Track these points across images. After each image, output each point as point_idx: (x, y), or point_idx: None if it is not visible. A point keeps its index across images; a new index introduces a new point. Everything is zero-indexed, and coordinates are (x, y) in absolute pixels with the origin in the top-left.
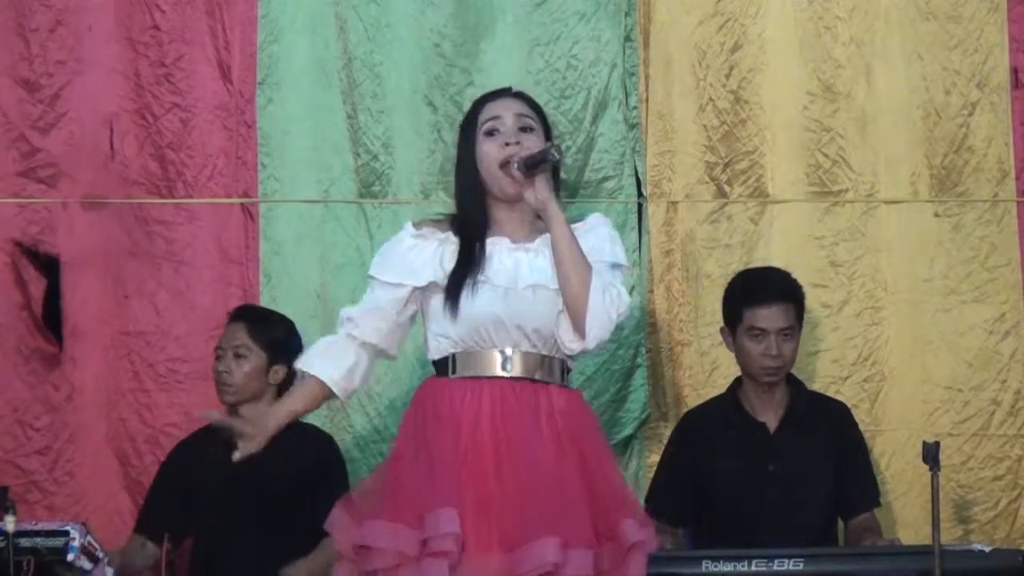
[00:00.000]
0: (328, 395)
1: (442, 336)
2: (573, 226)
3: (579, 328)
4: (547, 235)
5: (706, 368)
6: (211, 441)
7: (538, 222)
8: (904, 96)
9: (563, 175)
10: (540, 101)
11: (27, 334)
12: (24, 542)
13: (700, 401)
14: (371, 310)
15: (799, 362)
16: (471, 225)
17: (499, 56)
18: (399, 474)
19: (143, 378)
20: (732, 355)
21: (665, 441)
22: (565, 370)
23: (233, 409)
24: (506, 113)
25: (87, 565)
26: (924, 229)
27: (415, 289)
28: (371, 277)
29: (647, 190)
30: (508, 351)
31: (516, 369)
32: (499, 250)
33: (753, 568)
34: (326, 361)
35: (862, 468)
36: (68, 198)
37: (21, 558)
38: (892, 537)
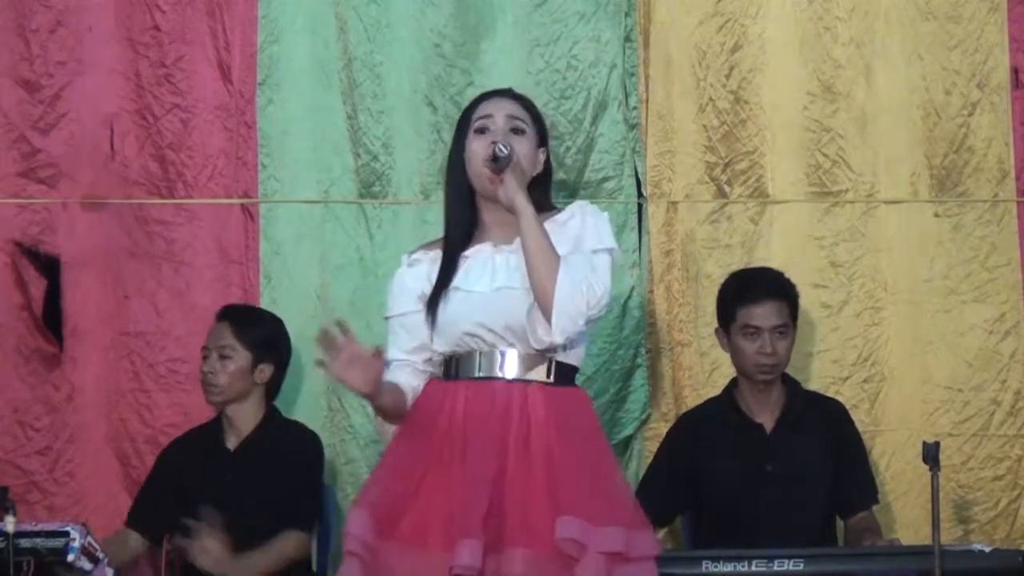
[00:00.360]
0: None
1: (436, 347)
2: (555, 217)
3: (546, 319)
4: None
5: (706, 368)
6: (204, 439)
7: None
8: (904, 96)
9: (563, 175)
10: (540, 101)
11: (27, 334)
12: (24, 543)
13: (700, 401)
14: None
15: (799, 362)
16: (455, 230)
17: (499, 56)
18: (376, 469)
19: (143, 378)
20: None
21: None
22: (553, 365)
23: (220, 408)
24: (498, 113)
25: (87, 566)
26: (924, 229)
27: (419, 311)
28: (386, 319)
29: (647, 190)
30: (487, 353)
31: (493, 370)
32: (480, 257)
33: (753, 568)
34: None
35: (860, 467)
36: (68, 198)
37: (21, 559)
38: (892, 537)
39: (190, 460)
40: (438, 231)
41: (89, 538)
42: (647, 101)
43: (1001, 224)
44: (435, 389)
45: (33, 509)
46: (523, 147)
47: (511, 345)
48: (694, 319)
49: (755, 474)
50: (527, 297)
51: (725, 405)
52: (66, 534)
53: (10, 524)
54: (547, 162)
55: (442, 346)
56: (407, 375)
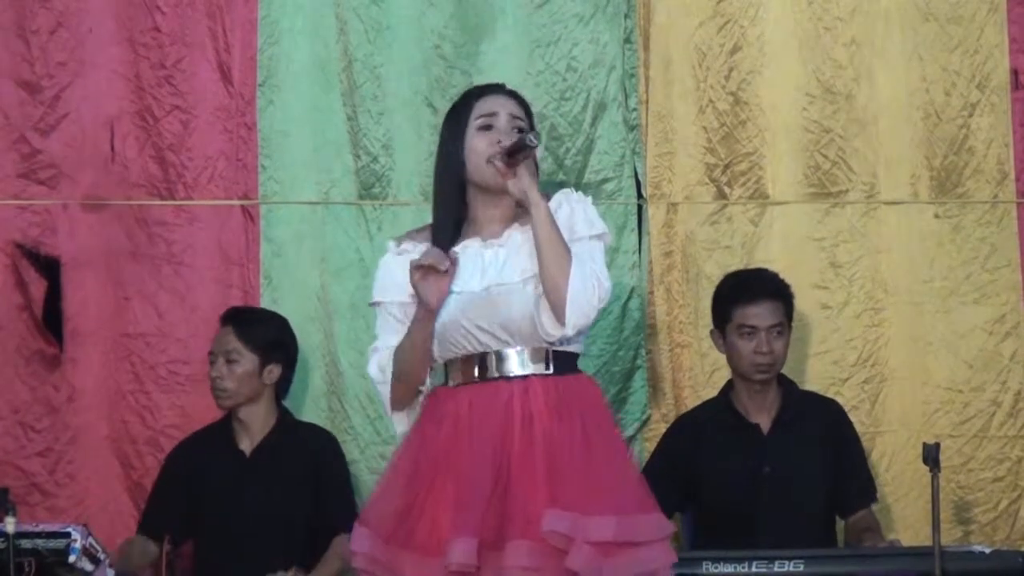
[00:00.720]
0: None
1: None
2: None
3: (559, 314)
4: (514, 228)
5: (706, 370)
6: (214, 441)
7: (517, 218)
8: (904, 97)
9: (562, 176)
10: (540, 103)
11: (28, 336)
12: (25, 544)
13: (701, 403)
14: (390, 333)
15: (800, 363)
16: (443, 226)
17: (499, 58)
18: (383, 480)
19: (144, 380)
20: None
21: None
22: (550, 355)
23: (231, 412)
24: (502, 111)
25: (88, 567)
26: (924, 230)
27: (411, 302)
28: (372, 304)
29: (647, 192)
30: (483, 353)
31: (492, 370)
32: (469, 254)
33: (753, 569)
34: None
35: (858, 465)
36: (69, 200)
37: (22, 559)
38: (892, 538)
39: (202, 463)
40: None
41: (90, 539)
42: (647, 102)
43: (1001, 225)
44: (441, 396)
45: (34, 510)
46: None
47: (507, 343)
48: (694, 320)
49: (752, 475)
50: (523, 291)
51: (721, 407)
52: (67, 535)
53: (11, 525)
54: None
55: (439, 350)
56: None
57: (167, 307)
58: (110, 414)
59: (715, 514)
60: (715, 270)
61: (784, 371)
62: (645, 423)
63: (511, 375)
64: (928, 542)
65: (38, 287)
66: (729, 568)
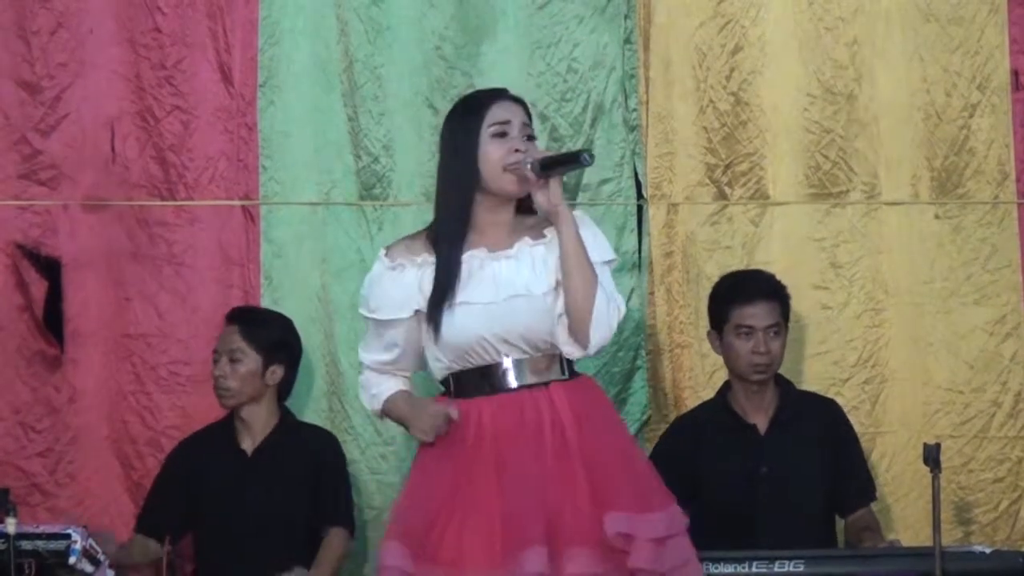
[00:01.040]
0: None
1: (436, 360)
2: (551, 228)
3: (580, 334)
4: (524, 242)
5: (706, 370)
6: (216, 441)
7: (518, 228)
8: (905, 98)
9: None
10: (541, 104)
11: (28, 336)
12: (25, 544)
13: (699, 404)
14: (378, 350)
15: (800, 364)
16: (448, 232)
17: (500, 59)
18: (404, 496)
19: (145, 380)
20: None
21: None
22: (564, 361)
23: (233, 412)
24: (515, 120)
25: (88, 568)
26: (925, 231)
27: (407, 319)
28: (363, 316)
29: (647, 192)
30: (502, 364)
31: (512, 381)
32: (477, 264)
33: (754, 569)
34: (382, 386)
35: (857, 464)
36: (69, 200)
37: (22, 560)
38: (893, 538)
39: (203, 462)
40: None
41: (91, 540)
42: (647, 103)
43: (1002, 226)
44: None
45: (34, 511)
46: (535, 153)
47: (524, 353)
48: (694, 321)
49: (750, 475)
50: (543, 302)
51: (719, 407)
52: (68, 536)
53: (11, 526)
54: None
55: (447, 360)
56: (400, 383)
57: (168, 308)
58: (111, 415)
59: (714, 515)
60: (715, 270)
61: (785, 371)
62: (645, 423)
63: (532, 383)
64: (928, 542)
65: (39, 288)
66: (729, 568)
